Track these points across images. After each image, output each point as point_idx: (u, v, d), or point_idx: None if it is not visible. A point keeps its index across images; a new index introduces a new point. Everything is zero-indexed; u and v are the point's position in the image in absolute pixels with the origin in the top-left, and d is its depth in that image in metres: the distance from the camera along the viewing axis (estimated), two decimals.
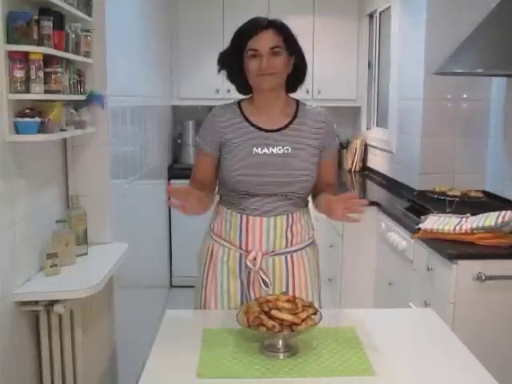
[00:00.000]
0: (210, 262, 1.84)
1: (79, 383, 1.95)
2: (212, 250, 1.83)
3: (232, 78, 1.79)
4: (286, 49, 1.70)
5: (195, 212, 1.63)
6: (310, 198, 1.90)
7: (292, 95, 1.85)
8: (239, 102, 1.83)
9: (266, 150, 1.74)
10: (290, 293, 1.75)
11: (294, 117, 1.79)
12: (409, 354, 1.48)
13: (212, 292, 1.82)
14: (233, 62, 1.74)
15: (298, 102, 1.84)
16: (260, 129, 1.76)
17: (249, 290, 1.79)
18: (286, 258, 1.79)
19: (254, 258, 1.75)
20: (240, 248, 1.78)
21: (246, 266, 1.76)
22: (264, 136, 1.75)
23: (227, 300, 1.80)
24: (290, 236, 1.78)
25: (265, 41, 1.67)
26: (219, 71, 1.79)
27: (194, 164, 1.89)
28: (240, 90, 1.82)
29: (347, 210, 1.59)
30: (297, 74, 1.78)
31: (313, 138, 1.78)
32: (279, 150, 1.74)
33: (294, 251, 1.80)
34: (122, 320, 2.51)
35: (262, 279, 1.76)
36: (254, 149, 1.74)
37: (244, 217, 1.76)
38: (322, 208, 1.77)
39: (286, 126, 1.77)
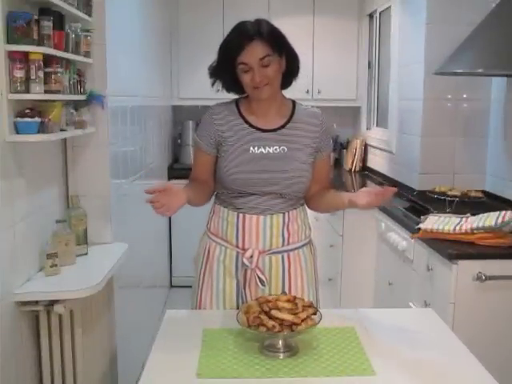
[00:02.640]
0: (207, 261, 1.84)
1: (79, 383, 1.95)
2: (209, 250, 1.84)
3: (227, 87, 1.80)
4: (276, 53, 1.68)
5: (175, 204, 1.56)
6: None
7: (289, 95, 1.85)
8: (236, 101, 1.83)
9: (262, 150, 1.74)
10: (287, 292, 1.75)
11: (291, 117, 1.80)
12: (409, 354, 1.48)
13: (208, 292, 1.82)
14: (225, 74, 1.74)
15: (294, 102, 1.84)
16: (257, 128, 1.77)
17: (245, 288, 1.79)
18: (282, 256, 1.79)
19: (251, 256, 1.75)
20: (237, 246, 1.78)
21: (243, 264, 1.76)
22: (261, 136, 1.76)
23: (223, 300, 1.80)
24: (286, 235, 1.78)
25: (253, 53, 1.65)
26: (213, 85, 1.79)
27: (193, 162, 1.89)
28: (237, 92, 1.82)
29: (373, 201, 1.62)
30: (290, 70, 1.78)
31: (309, 138, 1.79)
32: (275, 149, 1.75)
33: (291, 250, 1.81)
34: (122, 320, 2.51)
35: (259, 278, 1.76)
36: (251, 148, 1.74)
37: (240, 215, 1.76)
38: (333, 202, 1.81)
39: (283, 127, 1.78)
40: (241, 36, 1.67)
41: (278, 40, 1.70)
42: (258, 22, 1.70)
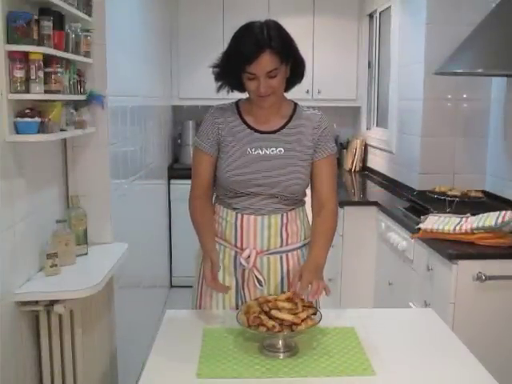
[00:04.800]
0: None
1: (79, 383, 1.95)
2: None
3: (231, 87, 1.79)
4: (283, 64, 1.67)
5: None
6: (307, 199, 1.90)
7: (290, 96, 1.85)
8: (237, 103, 1.83)
9: (259, 151, 1.74)
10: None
11: (290, 119, 1.80)
12: (409, 354, 1.48)
13: (207, 291, 1.82)
14: (230, 77, 1.73)
15: (295, 104, 1.84)
16: (256, 130, 1.77)
17: (243, 288, 1.79)
18: (281, 257, 1.79)
19: (248, 256, 1.75)
20: (235, 246, 1.78)
21: (241, 264, 1.76)
22: (259, 137, 1.76)
23: (222, 299, 1.80)
24: (285, 235, 1.78)
25: (261, 66, 1.63)
26: (219, 89, 1.78)
27: (193, 168, 1.84)
28: (241, 90, 1.82)
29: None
30: (295, 76, 1.77)
31: (308, 140, 1.78)
32: (272, 151, 1.75)
33: (290, 251, 1.80)
34: (122, 320, 2.51)
35: (257, 278, 1.76)
36: (248, 149, 1.75)
37: (239, 215, 1.76)
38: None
39: (282, 128, 1.78)
40: (251, 46, 1.62)
41: (288, 50, 1.68)
42: (268, 28, 1.65)
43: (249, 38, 1.64)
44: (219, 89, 1.79)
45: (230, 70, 1.71)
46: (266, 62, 1.63)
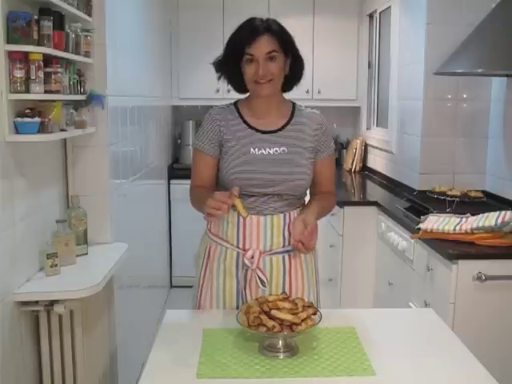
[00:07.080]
0: (208, 262, 1.84)
1: (79, 383, 1.95)
2: (209, 250, 1.84)
3: (230, 80, 1.81)
4: (282, 52, 1.71)
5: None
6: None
7: (290, 96, 1.86)
8: (236, 103, 1.84)
9: (262, 151, 1.75)
10: (287, 292, 1.75)
11: (290, 118, 1.81)
12: (409, 354, 1.48)
13: (208, 292, 1.82)
14: (230, 66, 1.75)
15: (293, 104, 1.86)
16: (257, 130, 1.78)
17: (245, 289, 1.79)
18: (283, 257, 1.79)
19: (252, 257, 1.75)
20: (237, 247, 1.78)
21: (244, 264, 1.76)
22: (261, 137, 1.77)
23: (223, 300, 1.80)
24: (287, 235, 1.78)
25: (261, 46, 1.68)
26: (219, 78, 1.81)
27: (192, 169, 1.85)
28: (238, 89, 1.83)
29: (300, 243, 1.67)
30: (293, 74, 1.79)
31: (308, 140, 1.79)
32: (275, 150, 1.75)
33: (292, 250, 1.80)
34: (122, 320, 2.51)
35: (259, 278, 1.76)
36: (251, 149, 1.75)
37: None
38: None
39: (283, 128, 1.79)
40: (251, 30, 1.70)
41: (286, 39, 1.73)
42: (268, 20, 1.74)
43: (249, 24, 1.72)
44: (219, 78, 1.81)
45: (231, 58, 1.73)
46: (266, 42, 1.69)
